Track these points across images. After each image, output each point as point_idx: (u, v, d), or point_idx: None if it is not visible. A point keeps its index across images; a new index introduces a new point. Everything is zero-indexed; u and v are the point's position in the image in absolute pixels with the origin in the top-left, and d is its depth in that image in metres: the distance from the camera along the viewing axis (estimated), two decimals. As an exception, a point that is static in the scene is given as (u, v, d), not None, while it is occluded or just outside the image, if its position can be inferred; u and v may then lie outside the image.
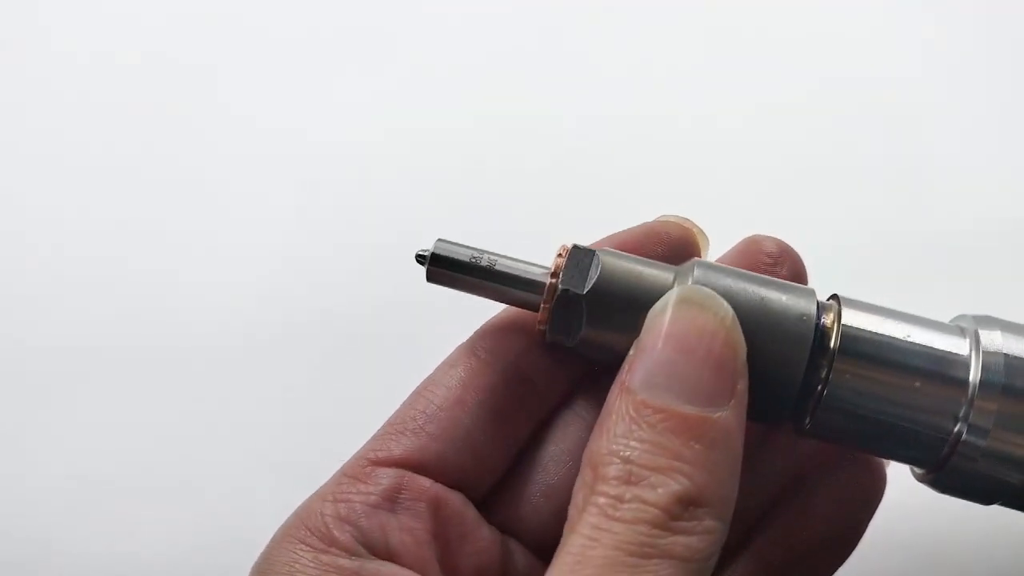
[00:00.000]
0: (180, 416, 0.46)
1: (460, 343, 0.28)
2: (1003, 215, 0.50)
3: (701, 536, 0.21)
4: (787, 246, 0.28)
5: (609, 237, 0.28)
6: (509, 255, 0.26)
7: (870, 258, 0.50)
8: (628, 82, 0.57)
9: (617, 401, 0.22)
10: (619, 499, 0.21)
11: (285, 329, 0.48)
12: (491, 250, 0.26)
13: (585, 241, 0.28)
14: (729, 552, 0.28)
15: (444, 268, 0.26)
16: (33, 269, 0.50)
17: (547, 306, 0.25)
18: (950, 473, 0.24)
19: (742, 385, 0.22)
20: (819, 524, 0.28)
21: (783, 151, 0.54)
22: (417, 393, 0.27)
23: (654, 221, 0.29)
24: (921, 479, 0.26)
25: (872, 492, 0.28)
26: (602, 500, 0.21)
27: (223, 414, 0.46)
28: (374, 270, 0.48)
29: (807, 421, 0.25)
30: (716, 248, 0.30)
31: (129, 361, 0.47)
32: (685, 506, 0.21)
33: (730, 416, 0.22)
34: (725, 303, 0.23)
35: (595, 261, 0.25)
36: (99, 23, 0.58)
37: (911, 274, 0.48)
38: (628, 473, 0.21)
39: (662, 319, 0.23)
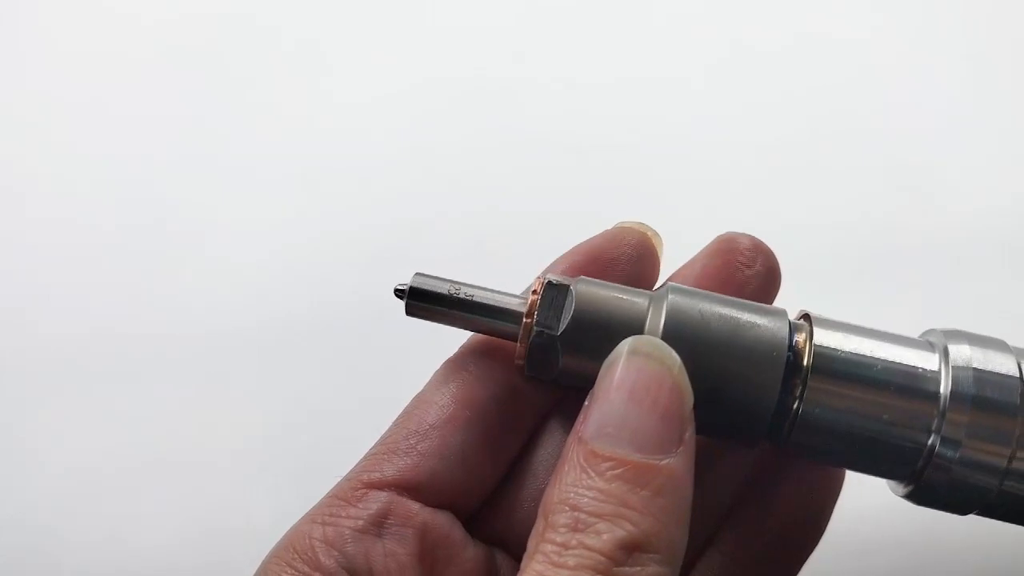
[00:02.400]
0: (181, 412, 0.46)
1: (448, 357, 0.28)
2: (999, 217, 0.49)
3: None
4: (760, 242, 0.29)
5: (574, 248, 0.29)
6: (487, 287, 0.26)
7: (866, 259, 0.49)
8: (627, 85, 0.56)
9: (570, 451, 0.22)
10: (565, 546, 0.21)
11: (285, 328, 0.48)
12: (468, 282, 0.26)
13: (565, 246, 0.28)
14: (697, 548, 0.28)
15: (422, 302, 0.26)
16: (34, 268, 0.51)
17: (523, 345, 0.26)
18: (926, 485, 0.24)
19: (689, 433, 0.23)
20: (783, 517, 0.28)
21: (775, 152, 0.53)
22: (408, 412, 0.27)
23: (614, 228, 0.29)
24: (898, 493, 0.26)
25: (832, 484, 0.28)
26: (549, 548, 0.21)
27: (224, 411, 0.46)
28: (377, 268, 0.48)
29: (784, 441, 0.25)
30: (695, 247, 0.30)
31: (129, 359, 0.48)
32: (630, 552, 0.21)
33: (678, 463, 0.22)
34: (673, 352, 0.23)
35: (569, 297, 0.25)
36: (104, 23, 0.58)
37: (906, 274, 0.48)
38: (576, 520, 0.21)
39: (614, 370, 0.23)
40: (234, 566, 0.33)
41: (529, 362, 0.26)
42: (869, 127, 0.54)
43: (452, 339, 0.29)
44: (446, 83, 0.56)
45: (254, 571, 0.25)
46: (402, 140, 0.54)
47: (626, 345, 0.23)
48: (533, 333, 0.25)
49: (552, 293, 0.26)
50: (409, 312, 0.26)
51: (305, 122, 0.55)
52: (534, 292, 0.26)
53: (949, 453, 0.23)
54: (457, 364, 0.28)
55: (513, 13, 0.59)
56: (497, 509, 0.28)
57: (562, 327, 0.25)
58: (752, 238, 0.29)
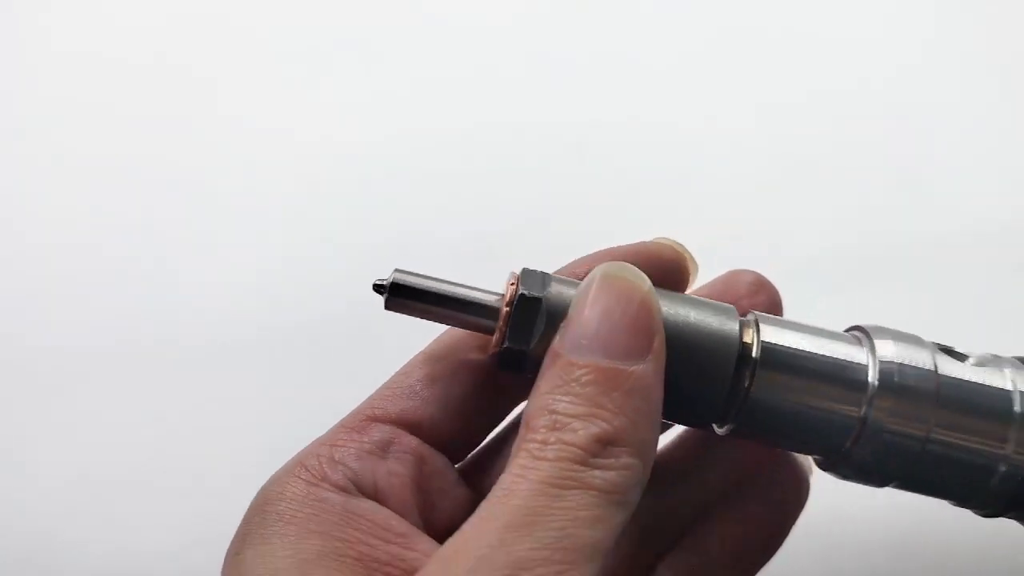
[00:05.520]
0: (180, 414, 0.46)
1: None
2: (999, 217, 0.50)
3: (619, 472, 0.23)
4: (764, 279, 0.31)
5: (602, 251, 0.30)
6: (465, 283, 0.28)
7: (866, 258, 0.49)
8: (627, 84, 0.57)
9: (547, 366, 0.24)
10: (544, 442, 0.23)
11: (284, 329, 0.48)
12: (447, 279, 0.28)
13: (583, 249, 0.30)
14: (666, 546, 0.30)
15: (402, 297, 0.27)
16: (33, 270, 0.51)
17: (496, 348, 0.27)
18: (851, 462, 0.27)
19: (659, 341, 0.25)
20: (750, 524, 0.30)
21: (780, 152, 0.54)
22: (415, 362, 0.29)
23: (650, 241, 0.30)
24: (824, 467, 0.29)
25: (797, 497, 0.31)
26: (531, 445, 0.23)
27: (223, 413, 0.46)
28: (372, 271, 0.46)
29: (732, 424, 0.28)
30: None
31: (129, 361, 0.47)
32: (604, 446, 0.23)
33: (648, 369, 0.24)
34: (642, 273, 0.26)
35: (541, 311, 0.27)
36: (99, 27, 0.60)
37: (907, 274, 0.48)
38: (554, 421, 0.23)
39: (587, 292, 0.25)
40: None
41: (500, 362, 0.27)
42: (870, 127, 0.55)
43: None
44: (445, 86, 0.56)
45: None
46: (400, 143, 0.54)
47: (599, 270, 0.25)
48: (504, 346, 0.27)
49: (525, 306, 0.27)
50: (388, 307, 0.28)
51: (301, 125, 0.55)
52: (511, 284, 0.27)
53: (874, 434, 0.27)
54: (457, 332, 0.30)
55: (511, 13, 0.59)
56: (486, 465, 0.30)
57: (533, 342, 0.26)
58: (756, 274, 0.31)
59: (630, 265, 0.26)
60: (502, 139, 0.55)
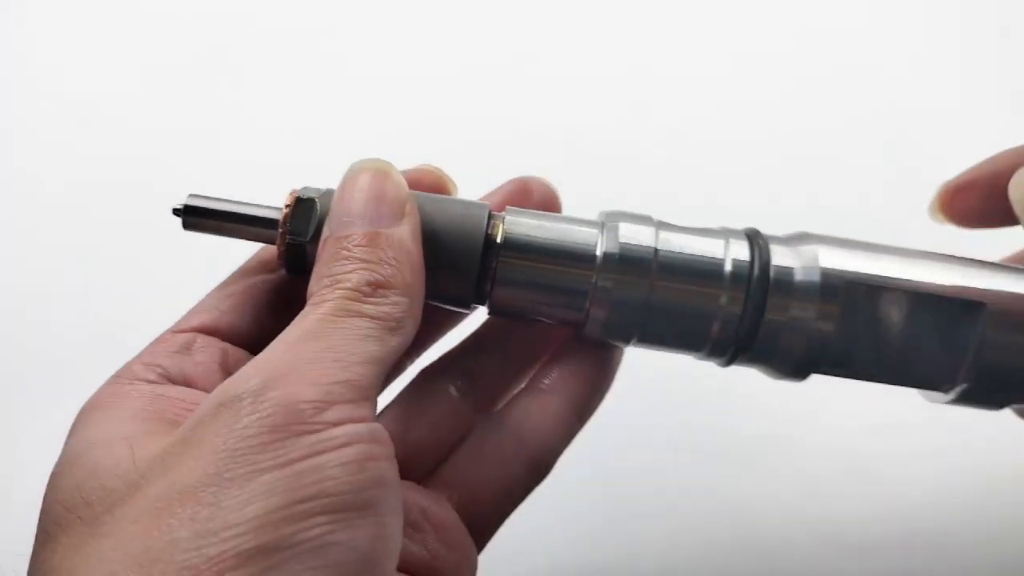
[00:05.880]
0: None
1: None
2: None
3: (390, 305, 0.27)
4: (542, 183, 0.34)
5: None
6: (254, 202, 0.31)
7: None
8: (627, 79, 0.58)
9: (321, 250, 0.28)
10: (324, 295, 0.27)
11: None
12: (237, 199, 0.31)
13: None
14: (486, 405, 0.34)
15: (195, 216, 0.30)
16: (32, 271, 0.50)
17: (280, 249, 0.30)
18: (592, 324, 0.32)
19: (410, 206, 0.29)
20: (557, 400, 0.34)
21: (781, 148, 0.55)
22: (213, 289, 0.32)
23: (412, 168, 0.33)
24: (578, 332, 0.33)
25: (602, 379, 0.35)
26: (313, 299, 0.27)
27: None
28: None
29: (489, 303, 0.32)
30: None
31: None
32: (374, 288, 0.27)
33: (403, 228, 0.28)
34: (388, 161, 0.30)
35: (315, 208, 0.31)
36: (101, 35, 0.60)
37: None
38: (332, 281, 0.27)
39: (343, 183, 0.29)
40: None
41: (287, 264, 0.31)
42: (873, 121, 0.55)
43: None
44: (445, 85, 0.57)
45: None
46: (400, 143, 0.51)
47: (350, 167, 0.30)
48: (287, 240, 0.30)
49: (301, 206, 0.30)
50: (186, 227, 0.31)
51: (300, 125, 0.55)
52: (287, 205, 0.31)
53: (602, 298, 0.32)
54: (259, 256, 0.33)
55: (511, 13, 0.60)
56: None
57: (310, 234, 0.30)
58: (536, 179, 0.35)
59: (377, 157, 0.30)
60: (502, 139, 0.55)
